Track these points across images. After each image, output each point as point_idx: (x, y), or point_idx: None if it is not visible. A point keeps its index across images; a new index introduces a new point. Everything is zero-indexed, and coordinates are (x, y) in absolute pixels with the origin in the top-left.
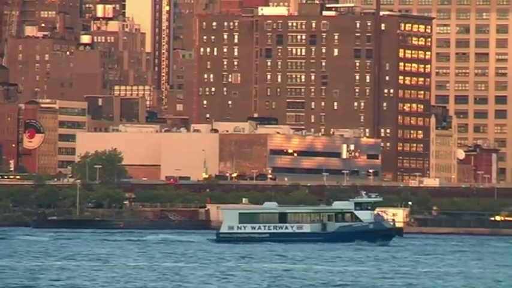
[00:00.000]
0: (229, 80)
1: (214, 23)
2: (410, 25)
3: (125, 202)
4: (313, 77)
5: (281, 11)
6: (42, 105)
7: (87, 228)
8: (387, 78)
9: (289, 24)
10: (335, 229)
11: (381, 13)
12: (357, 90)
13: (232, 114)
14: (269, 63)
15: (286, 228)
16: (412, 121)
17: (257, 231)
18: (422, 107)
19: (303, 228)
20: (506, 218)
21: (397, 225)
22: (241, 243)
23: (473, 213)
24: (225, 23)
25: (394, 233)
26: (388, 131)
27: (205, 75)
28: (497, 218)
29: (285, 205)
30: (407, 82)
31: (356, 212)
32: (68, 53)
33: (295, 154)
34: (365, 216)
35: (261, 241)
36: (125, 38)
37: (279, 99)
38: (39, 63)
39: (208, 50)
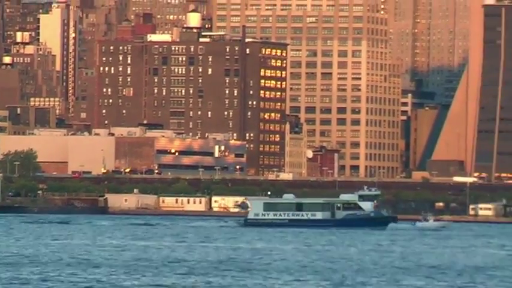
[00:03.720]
0: (124, 93)
1: (111, 47)
2: (269, 50)
3: (39, 192)
4: (191, 91)
5: (166, 37)
6: None
7: (8, 213)
8: (251, 92)
9: (172, 48)
10: (342, 216)
11: (246, 40)
12: (226, 102)
13: (126, 121)
14: (156, 80)
15: (302, 215)
16: (271, 127)
17: (278, 218)
18: (279, 115)
19: (316, 216)
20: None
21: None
22: (265, 227)
23: None
24: (120, 47)
25: (390, 220)
26: (251, 135)
27: (104, 89)
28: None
29: (301, 197)
30: (267, 96)
31: (359, 203)
32: None
33: (177, 153)
34: (367, 206)
35: (281, 226)
36: (39, 58)
37: (164, 109)
38: None
39: (106, 68)
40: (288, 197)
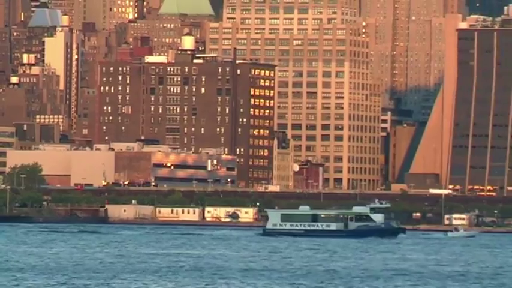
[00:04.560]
0: (123, 111)
1: (111, 68)
2: (258, 70)
3: (44, 203)
4: (186, 109)
5: (162, 59)
6: None
7: (15, 222)
8: (241, 110)
9: (168, 69)
10: (355, 227)
11: (237, 61)
12: (218, 119)
13: (125, 137)
14: (153, 98)
15: (317, 226)
16: (260, 142)
17: (295, 228)
18: (267, 132)
19: (330, 226)
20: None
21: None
22: (282, 236)
23: None
24: (120, 68)
25: (400, 231)
26: (242, 149)
27: (105, 107)
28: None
29: (316, 209)
30: (256, 113)
31: (371, 215)
32: (0, 90)
33: (172, 167)
34: (377, 218)
35: (297, 235)
36: (44, 79)
37: (160, 125)
38: None
39: (107, 88)
40: (304, 209)
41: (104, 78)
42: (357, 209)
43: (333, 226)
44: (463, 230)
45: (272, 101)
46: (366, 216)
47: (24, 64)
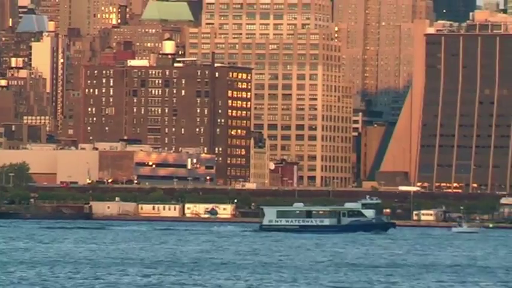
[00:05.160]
0: (107, 112)
1: (95, 71)
2: (236, 73)
3: (31, 200)
4: (166, 110)
5: (144, 62)
6: None
7: (3, 218)
8: (220, 111)
9: (150, 72)
10: (347, 223)
11: (215, 65)
12: (198, 120)
13: (108, 137)
14: (135, 100)
15: (311, 222)
16: (237, 142)
17: (290, 224)
18: (244, 132)
19: (324, 222)
20: None
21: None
22: (278, 232)
23: None
24: (103, 71)
25: (390, 226)
26: (220, 149)
27: (89, 109)
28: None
29: (309, 205)
30: (234, 114)
31: (362, 210)
32: None
33: (154, 165)
34: (369, 213)
35: (292, 231)
36: (31, 81)
37: (142, 126)
38: None
39: (91, 90)
40: (298, 206)
41: (89, 81)
42: (349, 205)
43: (327, 222)
44: (466, 226)
45: (249, 103)
46: (357, 211)
47: (12, 68)
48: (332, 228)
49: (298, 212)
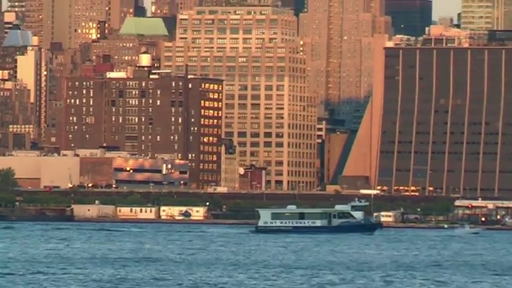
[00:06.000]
0: (87, 121)
1: (77, 83)
2: (208, 84)
3: (16, 203)
4: (143, 119)
5: (121, 74)
6: None
7: None
8: (193, 120)
9: (127, 83)
10: (337, 224)
11: (189, 76)
12: (172, 128)
13: (89, 144)
14: (113, 110)
15: (304, 223)
16: (209, 149)
17: (284, 225)
18: (216, 139)
19: (316, 223)
20: None
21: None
22: (273, 233)
23: (250, 210)
24: (84, 83)
25: (377, 226)
26: (193, 155)
27: (71, 118)
28: None
29: (302, 207)
30: (206, 123)
31: (352, 212)
32: None
33: (131, 171)
34: (358, 215)
35: (286, 232)
36: (16, 92)
37: (120, 133)
38: None
39: (73, 101)
40: (292, 208)
41: (70, 92)
42: (339, 207)
43: (318, 223)
44: (468, 227)
45: (220, 112)
46: (347, 213)
47: None
48: (323, 229)
49: (291, 213)
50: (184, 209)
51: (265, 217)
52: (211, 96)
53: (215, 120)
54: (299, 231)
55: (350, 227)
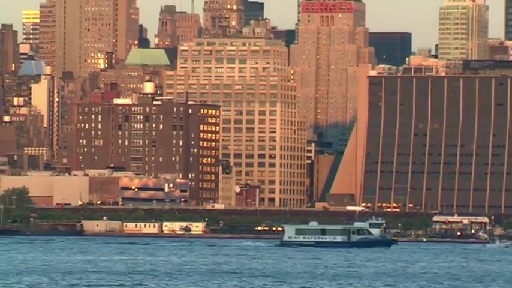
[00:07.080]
0: (96, 143)
1: (86, 108)
2: (206, 110)
3: (30, 219)
4: (147, 142)
5: (127, 101)
6: None
7: (7, 235)
8: (192, 142)
9: (133, 109)
10: (356, 239)
11: (189, 103)
12: (174, 150)
13: (97, 165)
14: (120, 133)
15: (325, 238)
16: (208, 169)
17: (307, 240)
18: (213, 160)
19: (336, 239)
20: (264, 228)
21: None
22: (296, 247)
23: (245, 225)
24: (93, 108)
25: (393, 242)
26: (193, 175)
27: (81, 141)
28: (259, 228)
29: (323, 224)
30: (205, 145)
31: (369, 229)
32: None
33: (136, 189)
34: (375, 231)
35: (309, 246)
36: (31, 117)
37: (126, 155)
38: None
39: (82, 125)
40: (314, 224)
41: (80, 117)
42: (358, 224)
43: (339, 238)
44: (499, 242)
45: (218, 135)
46: (365, 230)
47: (14, 106)
48: (343, 244)
49: (314, 229)
50: (184, 224)
51: (289, 232)
52: (210, 121)
53: (213, 143)
54: (321, 246)
55: (368, 242)
